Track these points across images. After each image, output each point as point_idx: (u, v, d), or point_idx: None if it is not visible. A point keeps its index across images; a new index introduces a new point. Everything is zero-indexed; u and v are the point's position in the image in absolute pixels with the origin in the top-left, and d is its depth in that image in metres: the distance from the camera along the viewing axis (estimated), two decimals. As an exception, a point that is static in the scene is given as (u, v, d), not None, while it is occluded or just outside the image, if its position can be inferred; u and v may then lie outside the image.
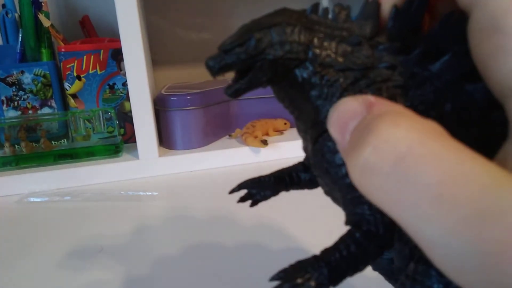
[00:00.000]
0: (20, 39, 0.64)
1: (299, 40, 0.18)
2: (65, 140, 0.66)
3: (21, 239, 0.44)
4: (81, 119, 0.64)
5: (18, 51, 0.64)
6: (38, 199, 0.54)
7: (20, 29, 0.64)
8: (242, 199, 0.26)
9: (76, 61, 0.64)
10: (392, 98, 0.17)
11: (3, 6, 0.64)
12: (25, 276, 0.37)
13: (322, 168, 0.19)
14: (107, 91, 0.67)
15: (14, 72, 0.63)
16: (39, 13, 0.63)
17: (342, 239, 0.16)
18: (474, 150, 0.13)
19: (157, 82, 0.77)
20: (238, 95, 0.19)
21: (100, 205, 0.52)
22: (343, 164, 0.17)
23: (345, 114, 0.14)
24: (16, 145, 0.61)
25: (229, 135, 0.70)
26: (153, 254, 0.39)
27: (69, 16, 0.76)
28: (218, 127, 0.68)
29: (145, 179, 0.61)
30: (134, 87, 0.58)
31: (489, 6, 0.13)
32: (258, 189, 0.26)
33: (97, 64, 0.65)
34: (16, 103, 0.65)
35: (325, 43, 0.18)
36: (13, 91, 0.64)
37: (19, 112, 0.65)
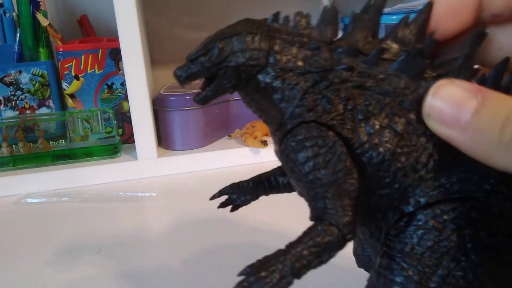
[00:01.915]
0: (17, 39, 0.64)
1: (259, 47, 0.19)
2: (63, 140, 0.65)
3: (18, 240, 0.44)
4: (79, 119, 0.64)
5: (16, 50, 0.64)
6: (36, 200, 0.54)
7: (18, 29, 0.64)
8: (223, 205, 0.27)
9: (74, 60, 0.63)
10: (351, 98, 0.18)
11: (1, 5, 0.63)
12: (23, 277, 0.37)
13: (288, 168, 0.19)
14: (106, 91, 0.66)
15: (12, 72, 0.63)
16: (37, 12, 0.63)
17: (306, 233, 0.17)
18: (436, 149, 0.16)
19: (156, 82, 0.77)
20: (206, 102, 0.21)
21: (99, 206, 0.52)
22: (305, 162, 0.18)
23: (459, 95, 0.15)
24: (13, 146, 0.61)
25: (229, 136, 0.70)
26: (151, 255, 0.39)
27: (67, 15, 0.75)
28: (217, 128, 0.68)
29: (144, 179, 0.60)
30: (133, 87, 0.58)
31: None
32: (238, 194, 0.27)
33: (96, 64, 0.64)
34: (13, 103, 0.64)
35: (285, 49, 0.19)
36: (10, 91, 0.64)
37: (17, 112, 0.65)
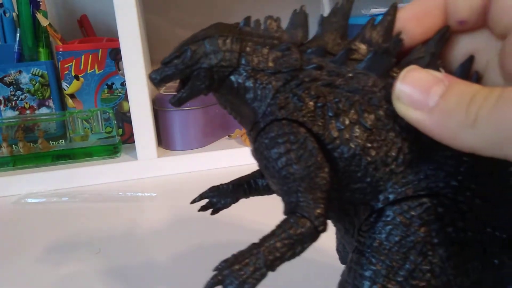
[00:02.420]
0: (17, 39, 0.64)
1: (231, 49, 0.20)
2: (63, 140, 0.65)
3: (18, 240, 0.44)
4: (79, 119, 0.64)
5: (16, 50, 0.64)
6: (36, 200, 0.54)
7: (18, 29, 0.64)
8: (204, 208, 0.28)
9: (74, 60, 0.63)
10: (321, 95, 0.19)
11: (1, 5, 0.63)
12: (23, 277, 0.37)
13: (262, 165, 0.20)
14: (106, 91, 0.66)
15: (12, 72, 0.63)
16: (37, 12, 0.63)
17: (279, 226, 0.17)
18: (405, 143, 0.18)
19: (156, 82, 0.77)
20: (181, 104, 0.21)
21: (98, 206, 0.52)
22: (278, 158, 0.18)
23: (427, 80, 0.16)
24: (13, 146, 0.61)
25: (229, 136, 0.70)
26: (151, 255, 0.39)
27: (67, 15, 0.75)
28: (217, 128, 0.68)
29: (144, 179, 0.60)
30: (133, 87, 0.58)
31: None
32: (218, 197, 0.27)
33: (96, 64, 0.64)
34: (13, 103, 0.64)
35: (257, 51, 0.20)
36: (10, 91, 0.64)
37: (17, 112, 0.65)
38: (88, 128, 0.64)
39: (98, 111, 0.64)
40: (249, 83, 0.20)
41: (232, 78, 0.20)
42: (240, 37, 0.20)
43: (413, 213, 0.18)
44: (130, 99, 0.58)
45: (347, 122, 0.19)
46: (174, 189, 0.56)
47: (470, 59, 0.18)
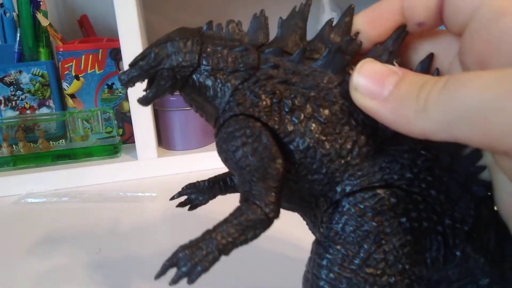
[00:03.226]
0: (18, 39, 0.64)
1: (191, 50, 0.21)
2: (63, 140, 0.65)
3: (18, 240, 0.44)
4: (79, 119, 0.64)
5: (16, 50, 0.64)
6: (36, 200, 0.54)
7: (18, 28, 0.64)
8: (182, 204, 0.29)
9: (74, 60, 0.63)
10: (277, 91, 0.20)
11: (1, 5, 0.63)
12: (23, 277, 0.37)
13: (223, 159, 0.21)
14: (106, 91, 0.66)
15: (12, 72, 0.63)
16: (37, 12, 0.63)
17: (232, 213, 0.18)
18: (361, 137, 0.19)
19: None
20: (149, 103, 0.23)
21: (98, 206, 0.52)
22: (235, 150, 0.20)
23: (381, 71, 0.17)
24: (14, 145, 0.61)
25: (229, 136, 0.69)
26: (151, 255, 0.39)
27: (68, 15, 0.75)
28: (217, 128, 0.68)
29: (144, 180, 0.60)
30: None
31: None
32: (196, 194, 0.29)
33: (96, 64, 0.64)
34: (14, 103, 0.64)
35: (216, 51, 0.21)
36: (11, 91, 0.64)
37: (17, 112, 0.65)
38: (88, 128, 0.64)
39: (98, 111, 0.64)
40: (209, 82, 0.21)
41: (194, 77, 0.22)
42: (201, 40, 0.22)
43: (366, 203, 0.19)
44: (130, 99, 0.58)
45: (302, 116, 0.19)
46: (174, 189, 0.55)
47: (430, 57, 0.19)
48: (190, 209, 0.29)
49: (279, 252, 0.37)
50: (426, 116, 0.15)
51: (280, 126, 0.20)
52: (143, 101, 0.23)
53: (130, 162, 0.60)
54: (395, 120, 0.16)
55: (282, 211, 0.19)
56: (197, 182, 0.29)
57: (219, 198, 0.30)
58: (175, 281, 0.18)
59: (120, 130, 0.68)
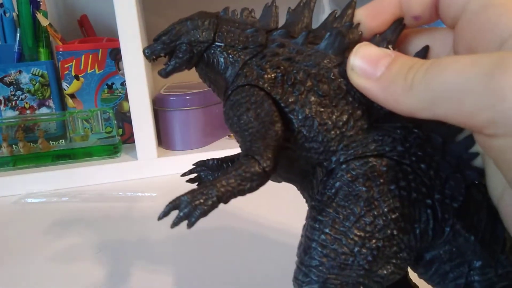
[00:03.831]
0: (18, 39, 0.64)
1: (208, 28, 0.24)
2: (63, 140, 0.65)
3: (18, 240, 0.44)
4: (79, 119, 0.64)
5: (16, 50, 0.64)
6: (36, 200, 0.54)
7: (18, 28, 0.64)
8: (192, 181, 0.31)
9: (74, 60, 0.63)
10: (281, 67, 0.22)
11: (1, 5, 0.63)
12: (23, 277, 0.37)
13: (229, 125, 0.23)
14: (106, 91, 0.66)
15: (12, 72, 0.63)
16: (37, 12, 0.63)
17: (232, 166, 0.19)
18: (356, 111, 0.20)
19: (156, 82, 0.77)
20: (168, 75, 0.25)
21: (98, 206, 0.52)
22: (241, 115, 0.21)
23: (376, 54, 0.18)
24: (13, 146, 0.61)
25: (229, 136, 0.70)
26: (152, 255, 0.39)
27: (67, 15, 0.75)
28: (217, 128, 0.68)
29: (144, 180, 0.60)
30: (133, 87, 0.58)
31: None
32: (205, 172, 0.30)
33: (96, 64, 0.64)
34: (13, 103, 0.64)
35: (230, 31, 0.24)
36: (10, 91, 0.64)
37: (17, 112, 0.65)
38: (88, 128, 0.64)
39: (98, 111, 0.64)
40: (222, 57, 0.24)
41: (209, 52, 0.24)
42: (218, 21, 0.24)
43: (358, 170, 0.20)
44: (130, 99, 0.58)
45: (302, 89, 0.21)
46: (174, 189, 0.55)
47: (425, 48, 0.21)
48: (198, 185, 0.30)
49: (280, 242, 0.37)
50: (412, 95, 0.16)
51: (282, 97, 0.21)
52: (163, 73, 0.25)
53: (130, 162, 0.60)
54: (385, 98, 0.18)
55: (281, 199, 0.19)
56: (207, 159, 0.30)
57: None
58: (175, 223, 0.19)
59: (120, 130, 0.68)
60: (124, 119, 0.68)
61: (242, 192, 0.19)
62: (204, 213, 0.18)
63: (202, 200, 0.18)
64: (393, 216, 0.19)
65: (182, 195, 0.19)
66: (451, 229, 0.19)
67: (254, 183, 0.19)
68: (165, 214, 0.20)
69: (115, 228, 0.45)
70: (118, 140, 0.63)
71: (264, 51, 0.23)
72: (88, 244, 0.42)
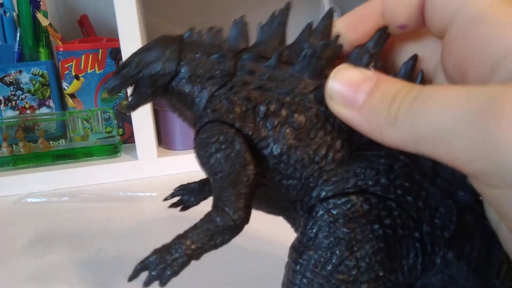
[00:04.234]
0: (18, 38, 0.64)
1: (170, 59, 0.22)
2: (63, 140, 0.65)
3: (18, 240, 0.44)
4: (79, 119, 0.64)
5: (16, 50, 0.64)
6: (36, 200, 0.54)
7: (18, 28, 0.64)
8: (175, 205, 0.30)
9: (74, 60, 0.63)
10: (252, 97, 0.20)
11: (1, 5, 0.63)
12: (23, 277, 0.37)
13: (199, 163, 0.22)
14: (106, 90, 0.66)
15: (12, 72, 0.63)
16: (37, 12, 0.63)
17: (202, 219, 0.18)
18: (335, 142, 0.19)
19: (156, 82, 0.77)
20: (132, 110, 0.24)
21: (99, 206, 0.52)
22: (210, 156, 0.20)
23: (356, 78, 0.16)
24: (14, 145, 0.61)
25: (229, 135, 0.69)
26: (151, 256, 0.39)
27: (68, 15, 0.75)
28: (217, 127, 0.68)
29: (144, 179, 0.60)
30: (133, 87, 0.57)
31: (476, 2, 0.16)
32: (188, 195, 0.29)
33: (96, 64, 0.64)
34: (14, 102, 0.64)
35: (195, 59, 0.22)
36: (10, 91, 0.64)
37: (17, 112, 0.65)
38: (88, 128, 0.64)
39: (98, 111, 0.64)
40: (187, 89, 0.22)
41: (173, 84, 0.22)
42: (181, 48, 0.22)
43: (339, 209, 0.18)
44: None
45: (276, 122, 0.20)
46: (174, 189, 0.56)
47: (414, 58, 0.19)
48: (182, 210, 0.30)
49: (268, 253, 0.37)
50: (396, 129, 0.15)
51: (254, 132, 0.20)
52: (127, 108, 0.24)
53: (130, 162, 0.60)
54: (369, 129, 0.16)
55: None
56: (188, 183, 0.29)
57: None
58: (146, 284, 0.19)
59: (120, 130, 0.68)
60: (124, 119, 0.68)
61: (214, 247, 0.18)
62: (175, 273, 0.18)
63: (171, 261, 0.18)
64: (377, 258, 0.18)
65: (150, 255, 0.18)
66: (442, 260, 0.18)
67: (226, 236, 0.18)
68: (134, 276, 0.19)
69: (115, 228, 0.45)
70: (118, 140, 0.63)
71: (232, 79, 0.21)
72: (88, 244, 0.42)
